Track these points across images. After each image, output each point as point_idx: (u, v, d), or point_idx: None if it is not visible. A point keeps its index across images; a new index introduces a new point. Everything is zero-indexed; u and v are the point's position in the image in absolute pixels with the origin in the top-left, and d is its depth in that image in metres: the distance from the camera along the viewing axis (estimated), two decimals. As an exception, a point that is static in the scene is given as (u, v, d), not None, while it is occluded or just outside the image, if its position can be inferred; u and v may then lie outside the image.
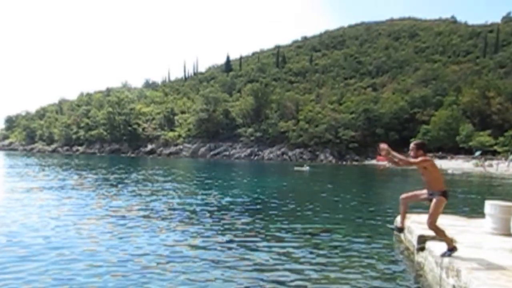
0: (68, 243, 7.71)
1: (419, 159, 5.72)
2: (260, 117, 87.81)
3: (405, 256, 7.53)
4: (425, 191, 5.96)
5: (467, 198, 18.84)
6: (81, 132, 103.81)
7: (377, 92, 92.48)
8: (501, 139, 62.29)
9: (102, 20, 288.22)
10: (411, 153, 5.88)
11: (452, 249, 5.71)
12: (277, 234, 9.09)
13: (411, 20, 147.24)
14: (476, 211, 12.11)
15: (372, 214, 12.88)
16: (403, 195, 6.34)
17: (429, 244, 6.55)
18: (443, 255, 5.69)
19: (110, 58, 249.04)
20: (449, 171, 44.60)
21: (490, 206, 7.47)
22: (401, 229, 6.68)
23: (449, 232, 7.20)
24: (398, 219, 6.83)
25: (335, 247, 8.05)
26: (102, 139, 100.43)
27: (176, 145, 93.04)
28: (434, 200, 5.69)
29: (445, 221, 8.65)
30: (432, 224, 5.69)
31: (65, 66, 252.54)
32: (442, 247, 5.78)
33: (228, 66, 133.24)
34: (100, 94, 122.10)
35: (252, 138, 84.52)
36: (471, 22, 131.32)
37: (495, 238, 7.03)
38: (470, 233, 7.40)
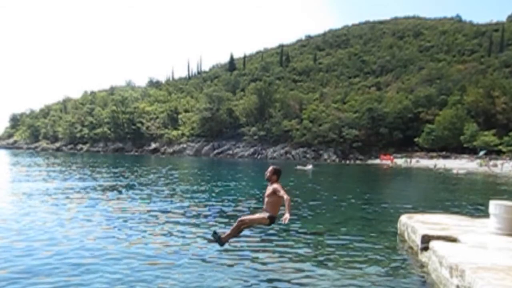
0: (75, 242, 7.75)
1: (281, 191, 5.87)
2: (263, 116, 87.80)
3: (409, 255, 7.50)
4: (264, 214, 6.06)
5: (471, 198, 18.75)
6: (85, 131, 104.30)
7: (381, 91, 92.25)
8: (505, 138, 61.86)
9: (106, 19, 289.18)
10: (267, 173, 6.26)
11: (221, 241, 6.09)
12: (280, 233, 9.06)
13: (415, 19, 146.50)
14: (481, 211, 12.05)
15: (375, 214, 12.84)
16: (243, 218, 6.17)
17: (432, 244, 6.52)
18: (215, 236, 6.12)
19: (114, 57, 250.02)
20: (454, 171, 44.36)
21: (494, 206, 7.42)
22: (221, 242, 6.19)
23: (453, 232, 7.18)
24: (227, 230, 6.33)
25: (338, 246, 8.03)
26: (106, 138, 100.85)
27: (179, 143, 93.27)
28: (264, 215, 5.98)
29: (449, 221, 8.62)
30: (241, 221, 6.01)
31: (69, 65, 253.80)
32: (446, 247, 5.75)
33: (232, 65, 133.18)
34: (104, 92, 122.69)
35: (256, 137, 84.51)
36: (476, 21, 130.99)
37: (499, 238, 6.98)
38: (475, 233, 7.35)
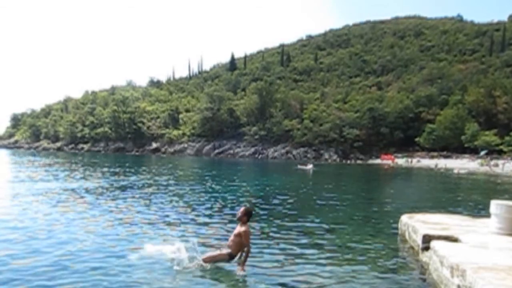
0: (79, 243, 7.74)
1: (247, 240, 6.15)
2: (264, 116, 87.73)
3: (410, 255, 7.48)
4: (225, 251, 6.32)
5: (472, 198, 18.72)
6: (86, 130, 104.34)
7: (382, 91, 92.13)
8: (507, 138, 61.71)
9: (107, 19, 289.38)
10: (239, 213, 6.38)
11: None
12: (280, 233, 9.05)
13: (416, 19, 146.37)
14: (482, 211, 12.03)
15: (376, 213, 12.82)
16: (204, 257, 6.31)
17: (433, 244, 6.50)
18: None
19: (115, 56, 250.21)
20: (455, 171, 44.31)
21: (496, 206, 7.39)
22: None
23: (454, 232, 7.16)
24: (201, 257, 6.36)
25: (339, 246, 8.01)
26: (107, 137, 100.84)
27: (180, 143, 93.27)
28: (224, 252, 6.29)
29: (450, 221, 8.60)
30: (203, 260, 6.23)
31: (70, 65, 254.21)
32: (447, 247, 5.73)
33: (232, 64, 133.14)
34: (105, 92, 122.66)
35: (257, 136, 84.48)
36: (477, 20, 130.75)
37: (501, 238, 6.96)
38: (476, 233, 7.33)
